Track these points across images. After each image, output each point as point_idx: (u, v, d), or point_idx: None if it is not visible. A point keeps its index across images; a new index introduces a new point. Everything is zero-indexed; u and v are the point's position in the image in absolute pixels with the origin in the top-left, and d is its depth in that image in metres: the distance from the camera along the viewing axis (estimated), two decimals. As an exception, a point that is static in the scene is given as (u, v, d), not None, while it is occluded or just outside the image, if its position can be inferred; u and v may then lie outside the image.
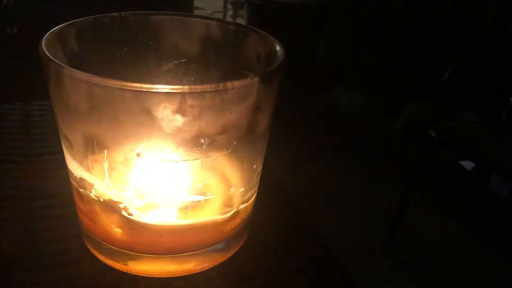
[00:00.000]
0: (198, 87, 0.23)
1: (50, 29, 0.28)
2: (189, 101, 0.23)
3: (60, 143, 0.29)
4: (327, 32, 2.02)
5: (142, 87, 0.22)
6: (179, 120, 0.24)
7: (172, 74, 0.35)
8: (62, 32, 0.29)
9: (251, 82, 0.25)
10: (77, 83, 0.24)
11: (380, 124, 1.91)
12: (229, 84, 0.24)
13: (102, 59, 0.33)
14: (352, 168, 1.60)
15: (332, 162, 1.61)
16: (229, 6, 2.71)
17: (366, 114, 1.98)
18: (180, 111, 0.24)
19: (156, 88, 0.23)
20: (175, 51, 0.35)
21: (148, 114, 0.23)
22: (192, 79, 0.35)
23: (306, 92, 2.01)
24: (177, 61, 0.35)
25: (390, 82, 1.87)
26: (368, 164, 1.63)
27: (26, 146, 0.43)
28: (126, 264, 0.30)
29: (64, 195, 0.35)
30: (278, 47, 0.29)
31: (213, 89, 0.23)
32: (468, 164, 1.61)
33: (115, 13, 0.33)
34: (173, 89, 0.23)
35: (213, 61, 0.35)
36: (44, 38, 0.27)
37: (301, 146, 1.68)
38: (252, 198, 0.32)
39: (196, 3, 2.16)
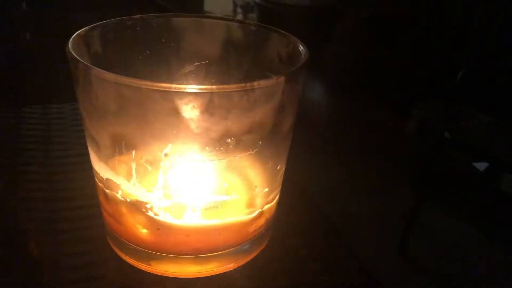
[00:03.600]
0: (226, 87, 0.23)
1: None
2: (217, 101, 0.23)
3: (82, 145, 0.29)
4: (338, 33, 2.02)
5: (171, 87, 0.22)
6: (206, 120, 0.24)
7: (193, 75, 0.35)
8: (87, 35, 0.29)
9: (277, 82, 0.25)
10: (105, 84, 0.24)
11: (393, 125, 1.90)
12: (255, 83, 0.24)
13: (125, 61, 0.33)
14: (364, 170, 1.59)
15: (347, 164, 1.60)
16: (238, 9, 2.72)
17: (378, 115, 1.97)
18: (208, 111, 0.24)
19: (185, 88, 0.23)
20: (196, 52, 0.35)
21: (176, 114, 0.24)
22: (213, 80, 0.36)
23: (317, 94, 2.00)
24: (198, 63, 0.35)
25: (402, 83, 1.86)
26: (381, 166, 1.62)
27: (48, 148, 0.44)
28: (149, 264, 0.30)
29: (88, 197, 0.36)
30: (301, 47, 0.29)
31: (240, 89, 0.24)
32: (481, 165, 1.59)
33: (137, 16, 0.33)
34: (201, 89, 0.23)
35: (234, 62, 0.35)
36: (70, 40, 0.27)
37: (317, 148, 1.68)
38: (276, 199, 0.32)
39: (205, 7, 2.16)
